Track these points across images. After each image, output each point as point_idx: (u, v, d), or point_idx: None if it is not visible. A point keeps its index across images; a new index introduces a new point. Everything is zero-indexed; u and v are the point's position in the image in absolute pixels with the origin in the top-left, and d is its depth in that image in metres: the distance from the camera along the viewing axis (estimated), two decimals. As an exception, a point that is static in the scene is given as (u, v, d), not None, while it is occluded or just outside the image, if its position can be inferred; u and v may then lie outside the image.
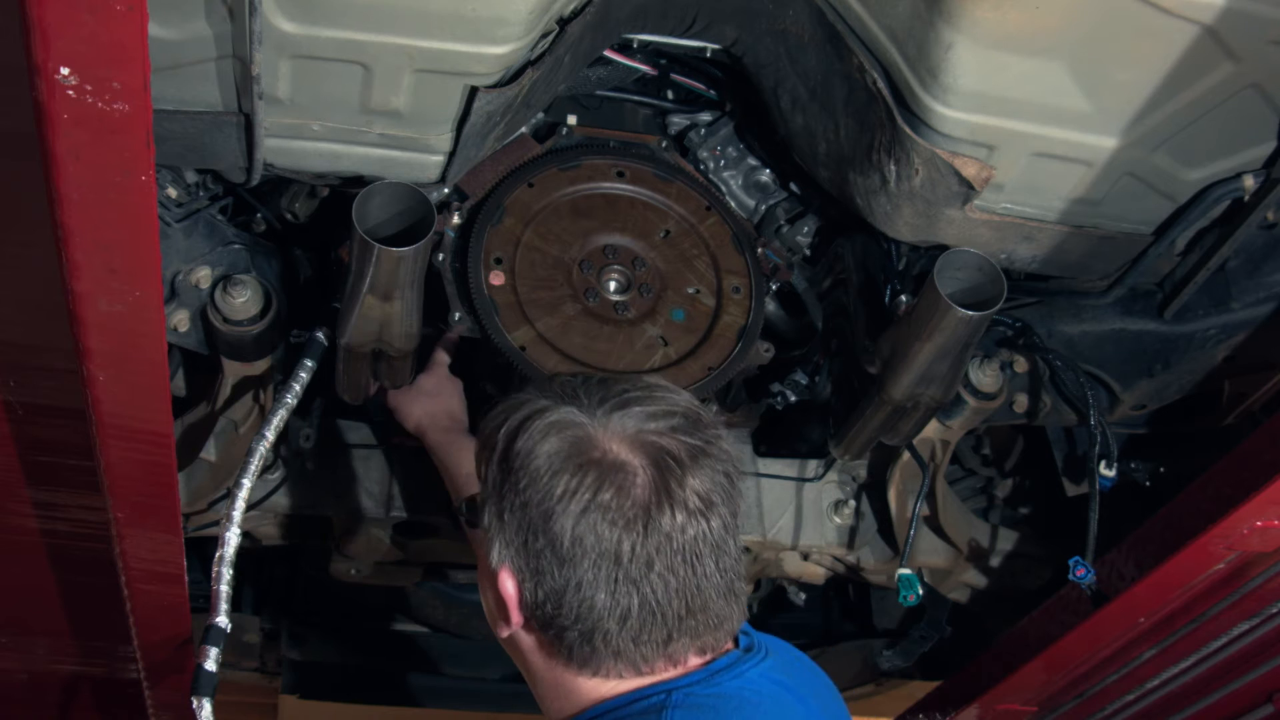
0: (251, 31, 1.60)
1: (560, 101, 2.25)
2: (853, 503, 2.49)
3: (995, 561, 2.67)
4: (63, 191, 1.27)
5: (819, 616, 3.35)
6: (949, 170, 1.87)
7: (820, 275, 2.35)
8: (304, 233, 2.25)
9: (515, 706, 3.19)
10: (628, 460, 1.32)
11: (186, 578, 2.09)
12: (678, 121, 2.35)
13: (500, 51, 1.74)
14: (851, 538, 2.50)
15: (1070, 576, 2.12)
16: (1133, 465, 2.54)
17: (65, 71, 1.14)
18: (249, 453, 1.93)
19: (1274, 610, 2.11)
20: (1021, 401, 2.33)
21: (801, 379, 2.31)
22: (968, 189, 1.91)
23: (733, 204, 2.33)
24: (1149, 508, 2.12)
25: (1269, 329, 2.16)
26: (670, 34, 2.10)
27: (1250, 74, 1.74)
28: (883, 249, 2.21)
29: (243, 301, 1.96)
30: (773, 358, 2.21)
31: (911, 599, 2.31)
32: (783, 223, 2.34)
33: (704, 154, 2.32)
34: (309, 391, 2.03)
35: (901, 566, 2.34)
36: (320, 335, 2.00)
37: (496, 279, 2.05)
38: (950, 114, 1.81)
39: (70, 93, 1.16)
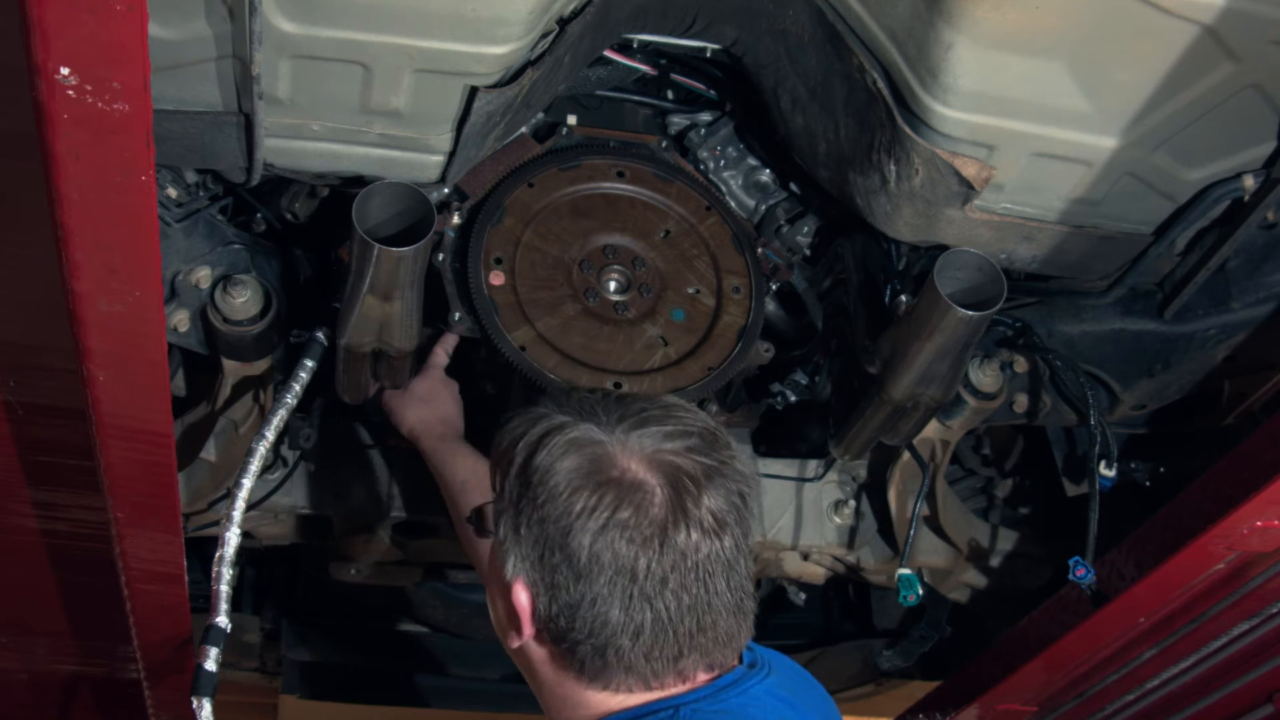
0: (251, 31, 1.60)
1: (560, 101, 2.25)
2: (853, 503, 2.49)
3: (995, 561, 2.67)
4: (63, 191, 1.27)
5: (819, 616, 3.35)
6: (949, 170, 1.87)
7: (820, 275, 2.35)
8: (304, 233, 2.25)
9: (515, 706, 3.19)
10: (645, 479, 1.34)
11: (186, 578, 2.09)
12: (678, 121, 2.35)
13: (500, 51, 1.74)
14: (851, 538, 2.50)
15: (1070, 576, 2.12)
16: (1133, 465, 2.53)
17: (65, 71, 1.14)
18: (249, 453, 1.93)
19: (1274, 610, 2.11)
20: (1021, 401, 2.33)
21: (801, 379, 2.31)
22: (968, 189, 1.91)
23: (733, 204, 2.33)
24: (1149, 508, 2.12)
25: (1269, 329, 2.16)
26: (670, 34, 2.10)
27: (1250, 74, 1.74)
28: (883, 249, 2.21)
29: (243, 301, 1.96)
30: (773, 358, 2.21)
31: (911, 599, 2.31)
32: (783, 223, 2.34)
33: (704, 154, 2.32)
34: (309, 391, 2.03)
35: (901, 566, 2.34)
36: (320, 335, 2.00)
37: (496, 279, 2.05)
38: (950, 114, 1.81)
39: (70, 93, 1.16)
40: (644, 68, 2.26)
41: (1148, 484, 2.55)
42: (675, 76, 2.30)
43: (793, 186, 2.34)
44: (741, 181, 2.35)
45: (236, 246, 2.04)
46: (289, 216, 2.26)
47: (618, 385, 2.02)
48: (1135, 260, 2.14)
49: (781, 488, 2.47)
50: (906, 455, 2.36)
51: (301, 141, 1.89)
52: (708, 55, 2.18)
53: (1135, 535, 2.12)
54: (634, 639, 1.35)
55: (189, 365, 2.26)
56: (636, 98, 2.35)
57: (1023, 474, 2.83)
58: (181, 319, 1.99)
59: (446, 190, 2.11)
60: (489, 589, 1.52)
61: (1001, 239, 2.05)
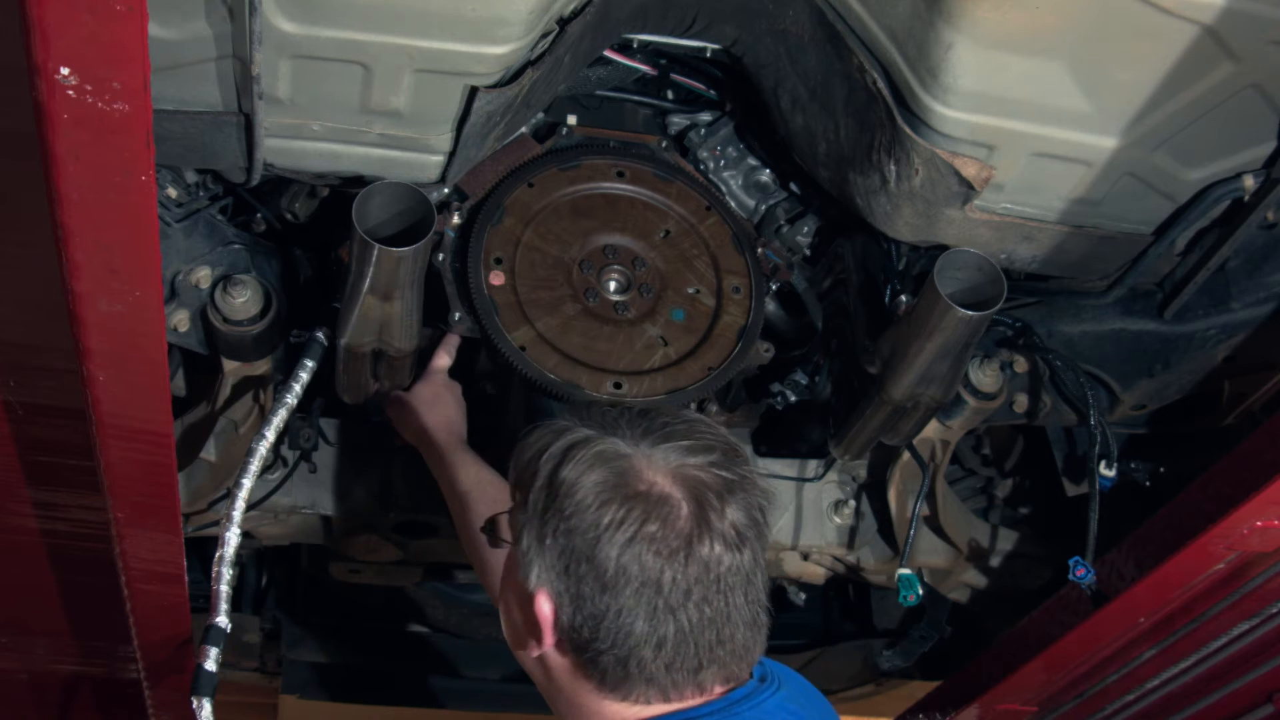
0: (251, 31, 1.60)
1: (560, 101, 2.25)
2: (853, 503, 2.49)
3: (995, 561, 2.67)
4: (63, 191, 1.27)
5: (819, 616, 3.35)
6: (949, 170, 1.87)
7: (820, 275, 2.35)
8: (304, 233, 2.25)
9: (515, 706, 3.19)
10: (671, 493, 1.36)
11: (186, 578, 2.09)
12: (678, 121, 2.35)
13: (500, 51, 1.74)
14: (851, 538, 2.50)
15: (1070, 576, 2.12)
16: (1133, 465, 2.53)
17: (65, 71, 1.14)
18: (249, 453, 1.93)
19: (1274, 610, 2.11)
20: (1021, 401, 2.33)
21: (801, 379, 2.31)
22: (968, 189, 1.91)
23: (733, 204, 2.33)
24: (1149, 508, 2.12)
25: (1269, 329, 2.16)
26: (670, 34, 2.10)
27: (1250, 74, 1.74)
28: (883, 249, 2.21)
29: (243, 301, 1.96)
30: (773, 358, 2.21)
31: (911, 599, 2.31)
32: (783, 223, 2.34)
33: (704, 154, 2.32)
34: (309, 391, 2.03)
35: (901, 566, 2.34)
36: (320, 335, 2.00)
37: (496, 279, 2.05)
38: (950, 114, 1.81)
39: (70, 93, 1.16)
40: (644, 68, 2.26)
41: (1148, 484, 2.55)
42: (675, 76, 2.30)
43: (793, 186, 2.34)
44: (741, 181, 2.35)
45: (236, 246, 2.04)
46: (289, 216, 2.26)
47: (618, 385, 2.02)
48: (1135, 260, 2.14)
49: (781, 488, 2.47)
50: (906, 455, 2.36)
51: (301, 141, 1.88)
52: (708, 55, 2.18)
53: (1135, 535, 2.12)
54: (656, 650, 1.37)
55: (189, 365, 2.26)
56: (636, 98, 2.35)
57: (1023, 474, 2.83)
58: (181, 319, 1.99)
59: (446, 190, 2.11)
60: (502, 596, 1.52)
61: (1001, 239, 2.05)
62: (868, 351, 2.09)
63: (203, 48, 1.66)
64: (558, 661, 1.44)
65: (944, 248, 2.00)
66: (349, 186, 1.98)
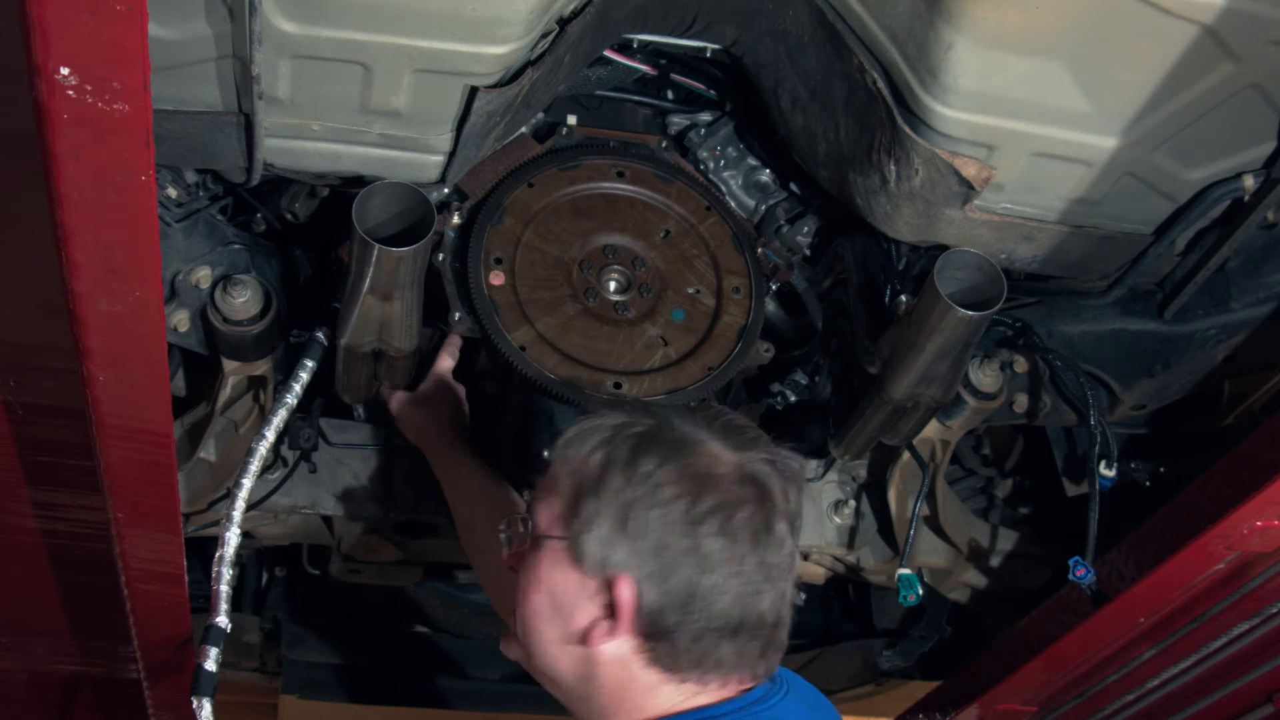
0: (251, 31, 1.60)
1: (560, 101, 2.25)
2: (853, 503, 2.49)
3: (995, 561, 2.67)
4: (63, 191, 1.27)
5: (819, 616, 3.35)
6: (949, 170, 1.87)
7: (820, 275, 2.35)
8: (304, 233, 2.25)
9: (515, 706, 3.19)
10: (747, 479, 1.41)
11: (186, 578, 2.09)
12: (678, 121, 2.35)
13: (500, 51, 1.74)
14: (851, 538, 2.50)
15: (1070, 576, 2.12)
16: (1133, 465, 2.53)
17: (65, 71, 1.14)
18: (249, 453, 1.93)
19: (1274, 610, 2.11)
20: (1021, 401, 2.33)
21: (801, 379, 2.31)
22: (968, 189, 1.91)
23: (733, 204, 2.33)
24: (1149, 508, 2.12)
25: (1269, 329, 2.16)
26: (670, 34, 2.10)
27: (1250, 74, 1.74)
28: (883, 249, 2.21)
29: (243, 301, 1.96)
30: (773, 358, 2.20)
31: (911, 599, 2.31)
32: (783, 223, 2.34)
33: (704, 154, 2.32)
34: (309, 391, 2.03)
35: (901, 566, 2.35)
36: (320, 335, 2.00)
37: (496, 279, 2.05)
38: (950, 114, 1.81)
39: (70, 93, 1.16)
40: (644, 68, 2.25)
41: (1148, 484, 2.55)
42: (675, 76, 2.30)
43: (793, 186, 2.34)
44: (741, 181, 2.35)
45: (236, 246, 2.04)
46: (289, 216, 2.26)
47: (617, 385, 2.02)
48: (1135, 260, 2.14)
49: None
50: (906, 455, 2.36)
51: (301, 141, 1.88)
52: (708, 55, 2.17)
53: (1135, 535, 2.12)
54: (733, 635, 1.39)
55: (189, 365, 2.26)
56: (636, 98, 2.35)
57: (1023, 474, 2.83)
58: (181, 319, 1.99)
59: (446, 190, 2.11)
60: (529, 598, 1.47)
61: (1001, 239, 2.05)
62: (868, 351, 2.09)
63: (203, 48, 1.66)
64: (614, 653, 1.41)
65: (944, 248, 2.00)
66: (349, 186, 1.98)
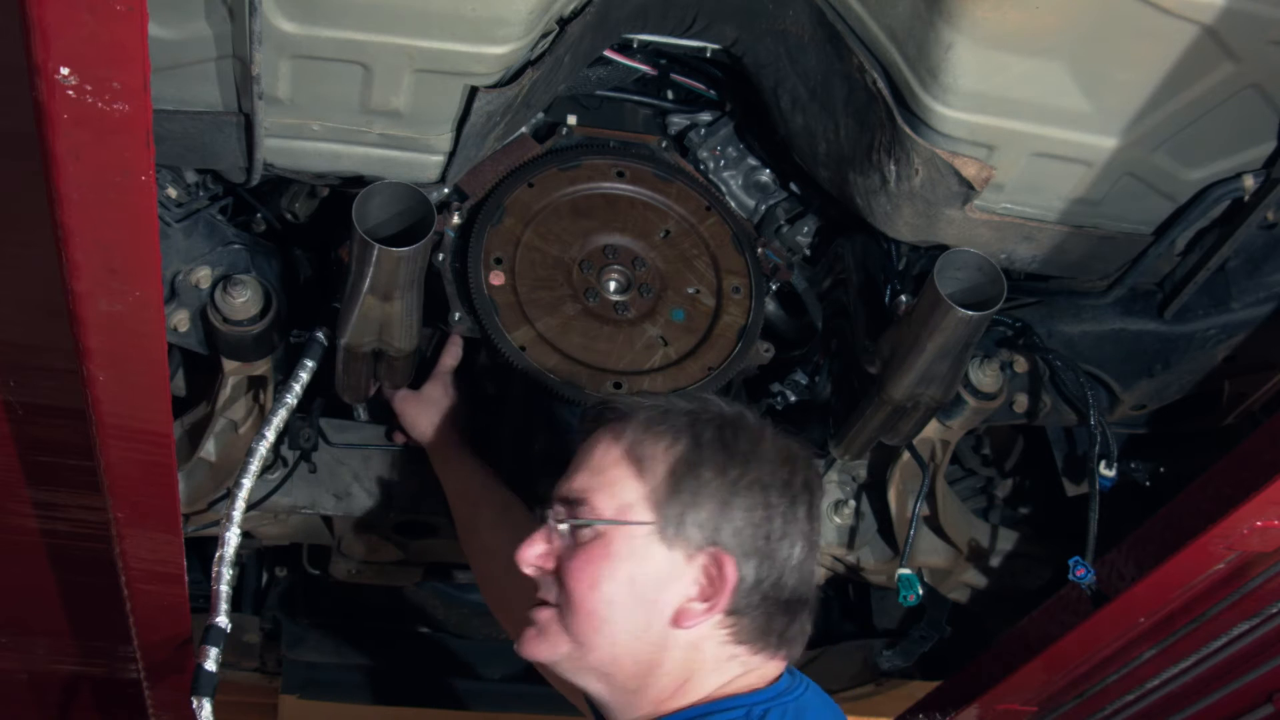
0: (251, 31, 1.60)
1: (560, 101, 2.25)
2: (853, 503, 2.49)
3: (995, 561, 2.67)
4: (63, 191, 1.27)
5: (819, 616, 3.34)
6: (949, 170, 1.87)
7: (820, 275, 2.35)
8: (304, 233, 2.25)
9: (515, 706, 3.19)
10: (805, 462, 1.50)
11: (186, 578, 2.09)
12: (678, 121, 2.35)
13: (500, 51, 1.74)
14: (851, 538, 2.50)
15: (1070, 576, 2.12)
16: (1133, 465, 2.53)
17: (65, 71, 1.14)
18: (249, 453, 1.93)
19: (1274, 610, 2.11)
20: (1021, 401, 2.33)
21: (801, 379, 2.31)
22: (968, 189, 1.91)
23: (733, 204, 2.33)
24: (1149, 508, 2.12)
25: (1269, 329, 2.15)
26: (670, 34, 2.10)
27: (1250, 74, 1.74)
28: (883, 249, 2.20)
29: (243, 301, 1.96)
30: (773, 358, 2.20)
31: (911, 599, 2.31)
32: (783, 223, 2.34)
33: (704, 154, 2.32)
34: (309, 391, 2.03)
35: (901, 566, 2.34)
36: (320, 335, 2.00)
37: (496, 279, 2.05)
38: (950, 114, 1.81)
39: (70, 93, 1.16)
40: (644, 68, 2.25)
41: (1148, 484, 2.55)
42: (675, 76, 2.30)
43: (793, 186, 2.34)
44: (741, 181, 2.35)
45: (236, 246, 2.03)
46: (289, 216, 2.26)
47: (617, 385, 2.02)
48: (1135, 260, 2.14)
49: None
50: (906, 455, 2.36)
51: (301, 141, 1.88)
52: (708, 55, 2.17)
53: (1135, 535, 2.12)
54: (786, 609, 1.45)
55: (189, 365, 2.26)
56: (636, 98, 2.34)
57: (1023, 474, 2.83)
58: (181, 319, 1.99)
59: (446, 190, 2.11)
60: (603, 588, 1.40)
61: (1001, 239, 2.05)
62: (868, 351, 2.09)
63: (203, 48, 1.66)
64: (692, 635, 1.40)
65: (944, 248, 2.00)
66: (349, 186, 1.98)
